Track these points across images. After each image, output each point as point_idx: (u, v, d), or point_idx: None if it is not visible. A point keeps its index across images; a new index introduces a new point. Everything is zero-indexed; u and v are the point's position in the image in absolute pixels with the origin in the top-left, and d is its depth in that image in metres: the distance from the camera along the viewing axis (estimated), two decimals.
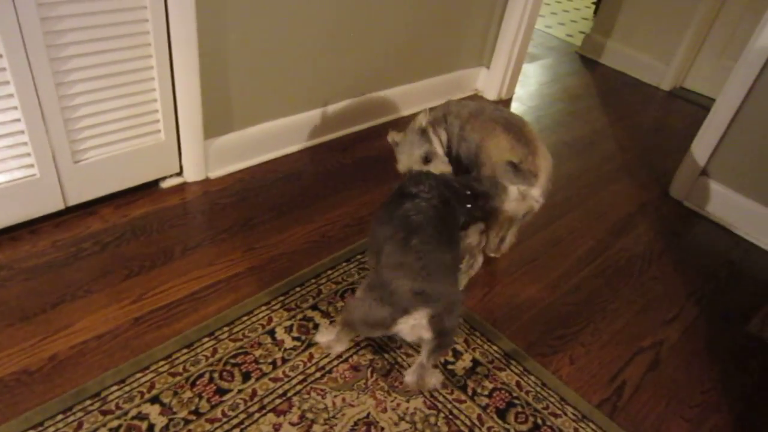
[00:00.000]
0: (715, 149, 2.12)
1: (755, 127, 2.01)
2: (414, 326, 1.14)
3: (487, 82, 2.79)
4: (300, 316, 1.45)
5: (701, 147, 2.15)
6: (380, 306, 1.13)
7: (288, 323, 1.42)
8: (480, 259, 1.61)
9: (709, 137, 2.12)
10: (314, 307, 1.48)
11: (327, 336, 1.36)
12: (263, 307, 1.45)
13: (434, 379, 1.31)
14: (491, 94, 2.79)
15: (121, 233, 1.63)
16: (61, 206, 1.63)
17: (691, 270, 1.91)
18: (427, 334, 1.15)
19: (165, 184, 1.84)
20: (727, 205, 2.14)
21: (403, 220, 1.19)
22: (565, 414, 1.34)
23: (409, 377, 1.27)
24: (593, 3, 4.52)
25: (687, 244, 2.03)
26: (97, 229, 1.63)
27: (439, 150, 1.66)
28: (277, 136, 2.05)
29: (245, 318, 1.42)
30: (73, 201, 1.65)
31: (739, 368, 1.57)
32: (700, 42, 3.16)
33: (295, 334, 1.40)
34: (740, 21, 2.98)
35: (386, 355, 1.39)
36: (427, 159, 1.64)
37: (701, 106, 3.07)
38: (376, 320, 1.16)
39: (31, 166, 1.51)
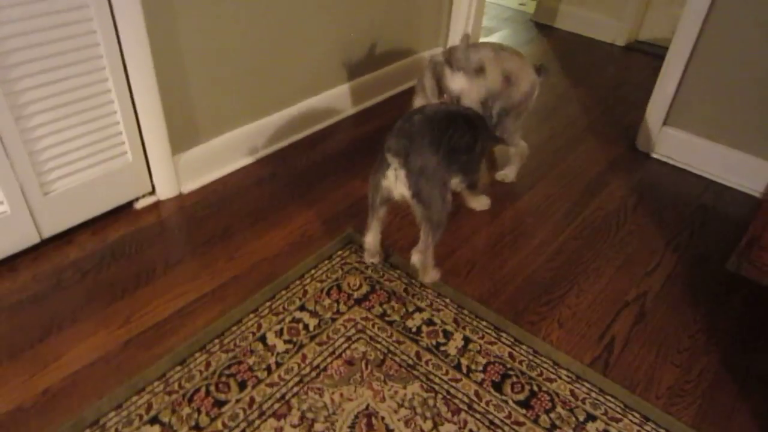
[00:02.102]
0: (674, 97, 2.16)
1: (709, 70, 2.05)
2: (397, 177, 1.41)
3: None
4: (289, 318, 1.46)
5: (661, 97, 2.19)
6: (377, 167, 1.46)
7: (278, 327, 1.43)
8: (524, 145, 2.01)
9: (667, 86, 2.15)
10: (302, 308, 1.49)
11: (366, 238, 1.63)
12: (251, 315, 1.46)
13: (435, 274, 1.59)
14: None
15: (100, 258, 1.62)
16: (36, 239, 1.62)
17: (665, 219, 1.95)
18: (407, 192, 1.42)
19: (139, 205, 1.83)
20: (692, 150, 2.19)
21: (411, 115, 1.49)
22: (560, 378, 1.37)
23: (415, 256, 1.54)
24: None
25: (659, 195, 2.08)
26: (76, 257, 1.62)
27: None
28: (245, 142, 2.05)
29: (234, 328, 1.42)
30: (48, 233, 1.64)
31: (723, 307, 1.62)
32: None
33: (287, 337, 1.41)
34: None
35: (378, 345, 1.41)
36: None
37: (658, 56, 3.09)
38: (377, 181, 1.47)
39: (1, 203, 1.50)
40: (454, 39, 2.71)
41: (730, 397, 1.37)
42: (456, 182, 1.67)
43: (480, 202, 1.90)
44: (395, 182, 1.43)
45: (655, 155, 2.29)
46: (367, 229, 1.61)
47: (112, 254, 1.64)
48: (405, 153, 1.38)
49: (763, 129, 2.01)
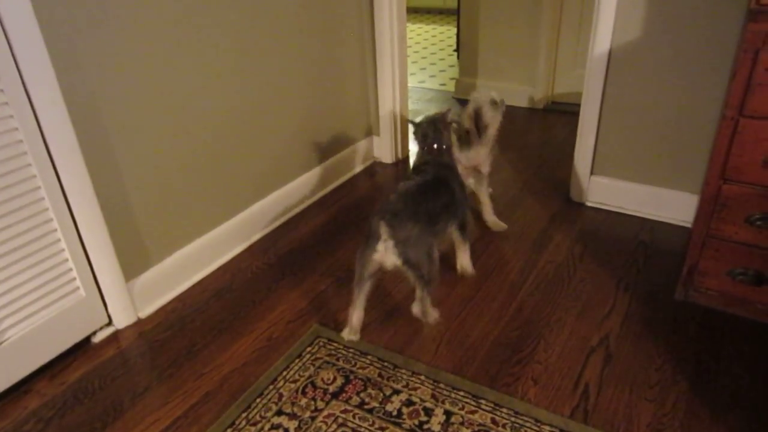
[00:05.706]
0: (595, 149, 2.33)
1: (619, 120, 2.24)
2: (386, 250, 1.55)
3: (381, 148, 2.93)
4: (267, 426, 1.44)
5: (583, 150, 2.36)
6: (366, 243, 1.58)
7: None
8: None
9: (587, 140, 2.33)
10: (279, 413, 1.47)
11: (349, 315, 1.72)
12: (229, 430, 1.43)
13: (435, 313, 1.71)
14: (388, 158, 2.93)
15: (62, 403, 1.57)
16: None
17: (611, 261, 2.05)
18: (397, 261, 1.56)
19: (97, 338, 1.79)
20: (622, 194, 2.34)
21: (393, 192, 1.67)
22: None
23: (415, 308, 1.68)
24: (454, 51, 4.89)
25: (601, 239, 2.19)
26: (36, 406, 1.56)
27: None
28: (198, 257, 2.06)
29: None
30: (2, 386, 1.57)
31: (680, 336, 1.69)
32: (553, 60, 3.49)
33: None
34: (579, 35, 3.34)
35: None
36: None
37: (574, 113, 3.34)
38: (365, 256, 1.59)
39: None
40: (385, 125, 2.86)
41: (706, 423, 1.41)
42: (449, 228, 1.85)
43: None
44: (385, 253, 1.56)
45: (589, 203, 2.43)
46: (352, 305, 1.70)
47: (74, 396, 1.59)
48: (390, 226, 1.54)
49: (677, 165, 2.18)
